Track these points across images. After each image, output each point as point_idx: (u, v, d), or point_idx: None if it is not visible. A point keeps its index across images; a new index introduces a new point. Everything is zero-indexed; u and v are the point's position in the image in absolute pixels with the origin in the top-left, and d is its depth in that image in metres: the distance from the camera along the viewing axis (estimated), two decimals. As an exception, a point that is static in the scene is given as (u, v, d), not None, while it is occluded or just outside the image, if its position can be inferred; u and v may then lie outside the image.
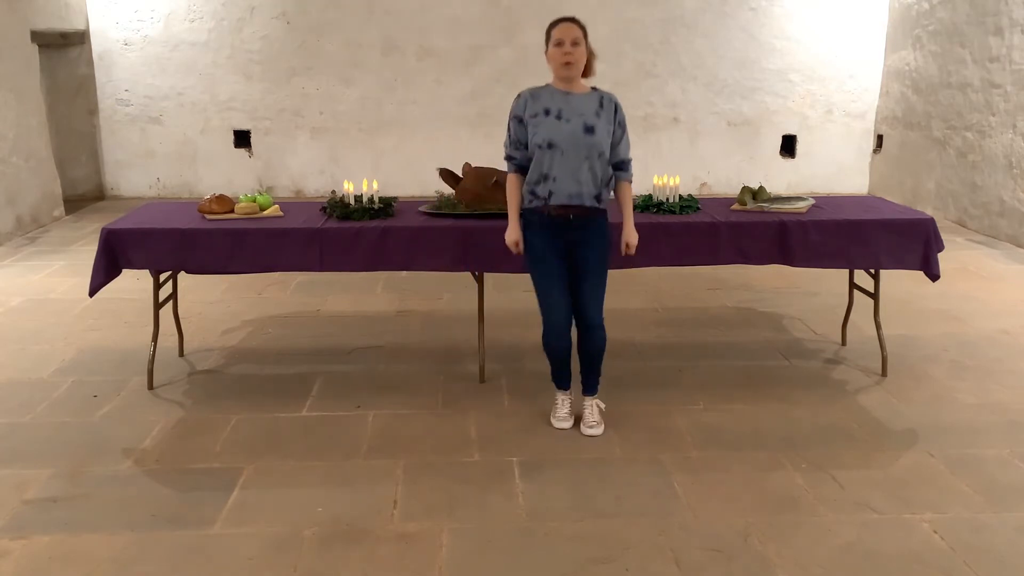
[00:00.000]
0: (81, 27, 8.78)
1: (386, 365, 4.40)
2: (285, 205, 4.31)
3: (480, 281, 4.15)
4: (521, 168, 3.44)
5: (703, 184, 9.51)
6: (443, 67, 9.05)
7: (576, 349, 3.58)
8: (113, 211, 7.99)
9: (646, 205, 4.20)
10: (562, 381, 3.67)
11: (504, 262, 3.94)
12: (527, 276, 3.59)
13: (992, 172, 7.30)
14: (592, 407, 3.64)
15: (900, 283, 5.35)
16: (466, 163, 4.28)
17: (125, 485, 3.16)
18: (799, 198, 4.26)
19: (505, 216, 3.58)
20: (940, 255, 4.10)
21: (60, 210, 8.10)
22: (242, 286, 5.75)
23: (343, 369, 4.34)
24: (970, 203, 7.62)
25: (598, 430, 3.59)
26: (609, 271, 3.48)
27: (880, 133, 9.35)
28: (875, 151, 9.48)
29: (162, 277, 4.16)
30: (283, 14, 8.99)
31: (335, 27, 9.05)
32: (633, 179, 3.53)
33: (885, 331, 4.29)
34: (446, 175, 4.24)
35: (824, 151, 9.53)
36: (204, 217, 4.05)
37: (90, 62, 8.98)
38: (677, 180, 4.23)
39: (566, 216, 3.36)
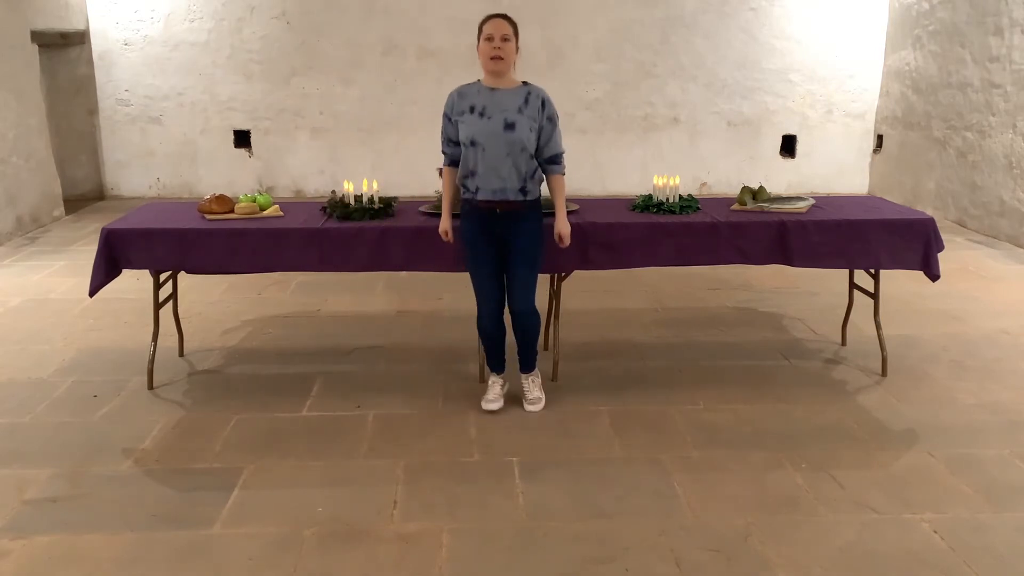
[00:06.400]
0: (81, 27, 8.78)
1: (386, 365, 4.40)
2: (285, 205, 4.31)
3: (480, 281, 4.16)
4: (454, 162, 3.64)
5: (703, 184, 9.50)
6: (443, 67, 9.04)
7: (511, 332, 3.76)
8: (113, 211, 7.99)
9: (646, 205, 4.20)
10: (495, 364, 3.85)
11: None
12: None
13: (992, 172, 7.30)
14: (530, 383, 3.83)
15: (900, 283, 5.35)
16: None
17: (125, 485, 3.16)
18: (799, 198, 4.25)
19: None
20: (940, 255, 4.10)
21: (60, 210, 8.10)
22: (242, 286, 5.75)
23: (343, 369, 4.34)
24: (970, 203, 7.62)
25: (539, 405, 3.79)
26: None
27: (880, 133, 9.34)
28: (875, 151, 9.48)
29: (162, 277, 4.16)
30: (283, 14, 8.99)
31: (335, 27, 9.04)
32: (566, 172, 3.64)
33: (885, 331, 4.29)
34: (446, 175, 4.26)
35: (824, 151, 9.53)
36: (204, 217, 4.05)
37: (90, 62, 8.98)
38: (677, 180, 4.23)
39: (492, 210, 3.52)
